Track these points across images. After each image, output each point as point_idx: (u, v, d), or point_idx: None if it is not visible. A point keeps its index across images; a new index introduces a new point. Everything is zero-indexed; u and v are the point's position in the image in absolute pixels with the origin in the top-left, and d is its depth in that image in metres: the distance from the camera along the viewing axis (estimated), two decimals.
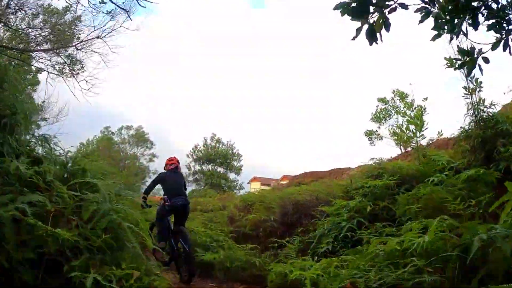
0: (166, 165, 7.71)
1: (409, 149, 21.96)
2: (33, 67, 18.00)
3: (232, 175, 54.57)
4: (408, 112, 26.42)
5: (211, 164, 52.88)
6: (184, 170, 53.81)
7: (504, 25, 3.80)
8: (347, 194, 9.04)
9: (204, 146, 53.40)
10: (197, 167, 53.45)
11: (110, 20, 12.40)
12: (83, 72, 14.30)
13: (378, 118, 31.08)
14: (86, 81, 13.74)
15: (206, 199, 19.80)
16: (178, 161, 7.72)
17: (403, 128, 20.49)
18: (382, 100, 31.11)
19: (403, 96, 30.36)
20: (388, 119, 30.89)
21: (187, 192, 7.97)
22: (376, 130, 31.45)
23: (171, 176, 7.34)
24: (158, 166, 57.33)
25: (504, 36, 3.79)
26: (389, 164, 9.45)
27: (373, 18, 3.57)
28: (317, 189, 10.53)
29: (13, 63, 14.40)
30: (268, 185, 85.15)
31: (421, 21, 3.82)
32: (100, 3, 9.34)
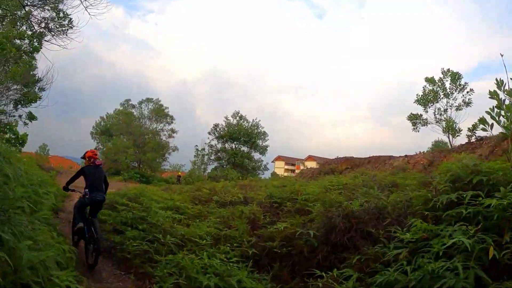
0: (89, 157, 8.31)
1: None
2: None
3: (256, 155, 51.57)
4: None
5: (235, 142, 50.17)
6: (204, 148, 52.55)
7: None
8: (431, 209, 5.85)
9: (225, 122, 50.69)
10: (219, 145, 50.89)
11: None
12: None
13: (425, 100, 27.82)
14: None
15: (225, 186, 17.19)
16: (96, 155, 8.48)
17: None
18: (430, 80, 27.81)
19: (455, 77, 27.17)
20: (434, 102, 27.84)
21: (107, 188, 8.60)
22: (421, 115, 28.39)
23: (94, 171, 8.01)
24: (178, 142, 55.38)
25: None
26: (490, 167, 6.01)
27: None
28: (374, 195, 7.56)
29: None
30: (292, 164, 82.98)
31: None
32: None
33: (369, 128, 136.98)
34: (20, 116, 25.37)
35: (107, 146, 46.37)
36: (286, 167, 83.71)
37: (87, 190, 7.72)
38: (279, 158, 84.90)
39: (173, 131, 49.75)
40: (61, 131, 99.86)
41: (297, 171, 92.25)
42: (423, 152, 21.31)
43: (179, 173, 44.32)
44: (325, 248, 6.49)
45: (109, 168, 43.28)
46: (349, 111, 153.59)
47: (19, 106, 25.29)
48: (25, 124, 26.41)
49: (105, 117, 53.45)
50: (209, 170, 63.56)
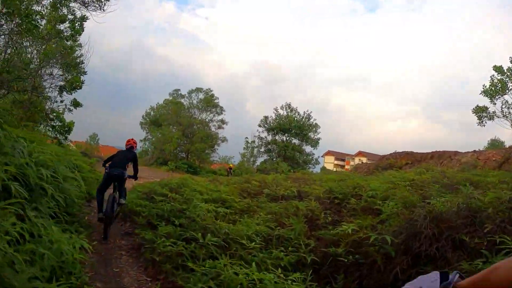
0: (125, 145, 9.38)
1: None
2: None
3: (307, 148, 50.09)
4: None
5: (285, 134, 48.85)
6: (254, 140, 51.37)
7: None
8: None
9: (275, 115, 49.42)
10: (270, 138, 49.70)
11: None
12: None
13: (493, 91, 25.47)
14: None
15: (276, 178, 16.00)
16: (134, 142, 9.47)
17: None
18: (498, 70, 25.38)
19: None
20: (502, 94, 25.40)
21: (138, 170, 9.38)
22: (488, 108, 25.99)
23: (121, 153, 9.14)
24: (227, 134, 54.91)
25: None
26: None
27: None
28: (465, 193, 6.08)
29: None
30: (342, 160, 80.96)
31: None
32: None
33: (420, 123, 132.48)
34: (62, 101, 25.06)
35: (155, 136, 46.14)
36: (336, 162, 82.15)
37: (107, 165, 8.67)
38: (328, 153, 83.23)
39: (223, 122, 48.90)
40: (112, 122, 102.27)
41: (347, 167, 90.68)
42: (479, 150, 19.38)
43: (230, 165, 43.23)
44: (404, 259, 5.13)
45: (157, 158, 43.13)
46: (400, 106, 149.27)
47: (64, 92, 25.02)
48: (69, 110, 26.14)
49: (154, 107, 53.56)
50: (258, 163, 63.60)
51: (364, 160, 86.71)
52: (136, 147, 9.67)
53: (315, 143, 49.65)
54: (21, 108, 22.04)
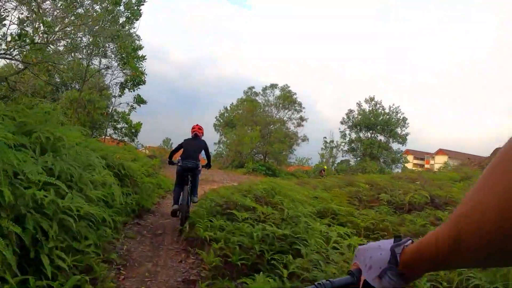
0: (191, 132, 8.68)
1: None
2: None
3: (393, 145, 45.22)
4: None
5: (370, 131, 44.44)
6: (332, 139, 47.74)
7: None
8: None
9: (359, 110, 45.07)
10: (353, 135, 45.44)
11: None
12: None
13: None
14: None
15: (383, 178, 12.68)
16: (200, 128, 8.59)
17: None
18: None
19: None
20: None
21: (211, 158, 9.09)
22: None
23: (190, 142, 8.32)
24: (308, 131, 51.40)
25: None
26: None
27: None
28: None
29: None
30: (421, 159, 74.79)
31: None
32: None
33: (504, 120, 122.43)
34: (120, 95, 22.95)
35: (230, 138, 43.15)
36: (415, 161, 76.58)
37: (179, 158, 8.10)
38: (407, 151, 77.59)
39: (302, 119, 44.75)
40: (184, 127, 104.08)
41: (427, 166, 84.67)
42: None
43: (324, 166, 39.06)
44: None
45: (232, 161, 40.34)
46: (481, 102, 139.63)
47: (126, 89, 22.75)
48: (133, 108, 23.84)
49: (228, 107, 50.94)
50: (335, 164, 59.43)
51: (445, 159, 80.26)
52: (201, 134, 8.64)
53: (403, 139, 44.71)
54: (78, 108, 19.95)
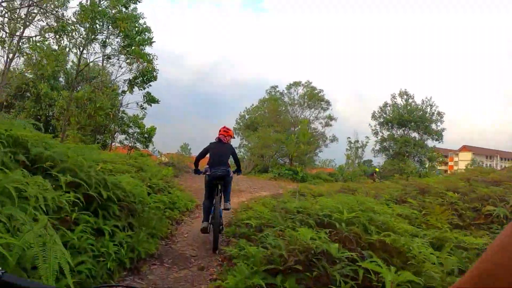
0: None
1: None
2: None
3: (429, 142, 41.38)
4: None
5: (402, 128, 40.74)
6: (357, 139, 44.52)
7: None
8: None
9: (392, 105, 41.39)
10: (385, 132, 41.78)
11: None
12: None
13: None
14: None
15: (452, 181, 9.86)
16: (225, 131, 7.73)
17: None
18: None
19: None
20: None
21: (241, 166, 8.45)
22: None
23: (216, 146, 7.51)
24: (337, 131, 47.76)
25: None
26: None
27: None
28: None
29: None
30: (445, 156, 71.07)
31: None
32: None
33: None
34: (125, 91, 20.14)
35: (253, 140, 39.62)
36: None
37: (207, 166, 7.29)
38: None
39: (330, 118, 41.07)
40: (205, 131, 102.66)
41: (451, 163, 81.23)
42: None
43: (376, 169, 35.75)
44: None
45: (255, 166, 37.05)
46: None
47: (135, 86, 19.81)
48: (142, 108, 20.92)
49: (250, 109, 47.83)
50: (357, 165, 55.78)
51: (469, 155, 76.47)
52: (228, 137, 7.70)
53: (438, 135, 40.82)
54: (78, 107, 17.01)
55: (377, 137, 41.73)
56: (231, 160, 7.93)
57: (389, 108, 41.25)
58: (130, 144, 23.47)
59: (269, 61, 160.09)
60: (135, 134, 23.28)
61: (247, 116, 47.28)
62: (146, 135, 23.60)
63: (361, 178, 40.18)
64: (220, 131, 7.71)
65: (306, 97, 40.00)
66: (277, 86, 42.68)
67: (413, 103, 40.23)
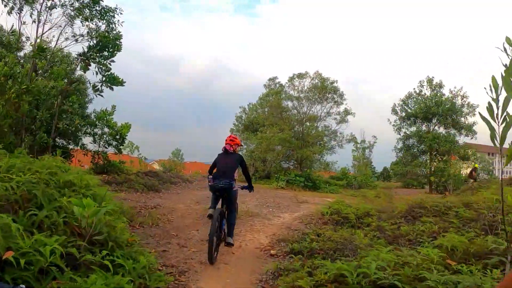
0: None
1: None
2: None
3: (460, 138, 35.09)
4: None
5: (427, 123, 34.65)
6: (387, 135, 38.59)
7: None
8: None
9: (416, 96, 35.26)
10: (410, 129, 35.66)
11: None
12: None
13: None
14: None
15: None
16: (232, 140, 7.50)
17: None
18: None
19: None
20: None
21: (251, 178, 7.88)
22: None
23: (222, 157, 7.40)
24: (353, 128, 41.30)
25: None
26: None
27: None
28: None
29: None
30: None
31: None
32: None
33: None
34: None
35: (255, 142, 32.92)
36: None
37: (210, 177, 7.19)
38: None
39: (347, 112, 34.12)
40: (201, 139, 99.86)
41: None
42: None
43: (475, 165, 29.26)
44: None
45: (255, 171, 30.92)
46: None
47: (91, 63, 13.91)
48: (98, 92, 15.08)
49: (247, 108, 42.01)
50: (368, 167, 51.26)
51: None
52: (234, 146, 7.49)
53: (469, 129, 33.89)
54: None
55: (399, 134, 35.55)
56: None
57: (412, 100, 35.07)
58: (93, 150, 17.88)
59: (266, 62, 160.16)
60: (105, 135, 18.14)
61: (244, 116, 41.33)
62: (117, 136, 17.97)
63: (371, 182, 36.77)
64: (226, 140, 7.52)
65: (315, 90, 33.65)
66: (276, 77, 36.18)
67: (441, 94, 34.00)
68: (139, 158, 31.16)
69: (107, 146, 18.06)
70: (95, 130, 17.81)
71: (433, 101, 33.08)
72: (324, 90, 32.84)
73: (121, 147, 18.51)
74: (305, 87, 33.72)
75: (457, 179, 30.80)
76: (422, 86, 34.93)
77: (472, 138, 33.76)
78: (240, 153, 6.90)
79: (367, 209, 10.19)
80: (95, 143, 17.86)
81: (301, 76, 33.88)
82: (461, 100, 33.42)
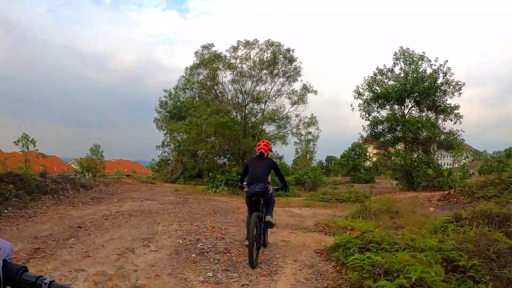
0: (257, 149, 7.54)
1: None
2: None
3: (447, 125, 28.35)
4: None
5: (400, 106, 28.08)
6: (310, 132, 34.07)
7: None
8: None
9: (388, 70, 28.62)
10: (381, 111, 28.94)
11: None
12: None
13: None
14: None
15: None
16: (266, 145, 7.35)
17: None
18: None
19: None
20: None
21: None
22: None
23: (254, 162, 7.27)
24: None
25: None
26: None
27: None
28: None
29: None
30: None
31: None
32: None
33: None
34: None
35: (184, 129, 25.00)
36: None
37: (245, 183, 7.03)
38: None
39: (306, 88, 26.96)
40: (129, 136, 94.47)
41: None
42: None
43: None
44: None
45: (183, 169, 23.63)
46: None
47: None
48: None
49: (172, 90, 34.21)
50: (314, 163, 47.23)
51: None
52: (268, 151, 7.36)
53: (455, 114, 27.35)
54: None
55: (369, 119, 28.56)
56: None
57: (384, 77, 28.18)
58: None
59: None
60: None
61: (170, 102, 33.87)
62: None
63: (325, 180, 34.41)
64: (259, 145, 7.41)
65: (265, 61, 25.88)
66: (212, 44, 27.33)
67: (424, 70, 27.28)
68: (38, 154, 26.27)
69: None
70: None
71: (409, 78, 26.40)
72: (278, 57, 25.54)
73: None
74: (251, 60, 25.98)
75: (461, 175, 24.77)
76: (398, 59, 28.09)
77: (455, 123, 27.24)
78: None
79: None
80: None
81: (248, 44, 26.15)
82: (444, 77, 26.72)
